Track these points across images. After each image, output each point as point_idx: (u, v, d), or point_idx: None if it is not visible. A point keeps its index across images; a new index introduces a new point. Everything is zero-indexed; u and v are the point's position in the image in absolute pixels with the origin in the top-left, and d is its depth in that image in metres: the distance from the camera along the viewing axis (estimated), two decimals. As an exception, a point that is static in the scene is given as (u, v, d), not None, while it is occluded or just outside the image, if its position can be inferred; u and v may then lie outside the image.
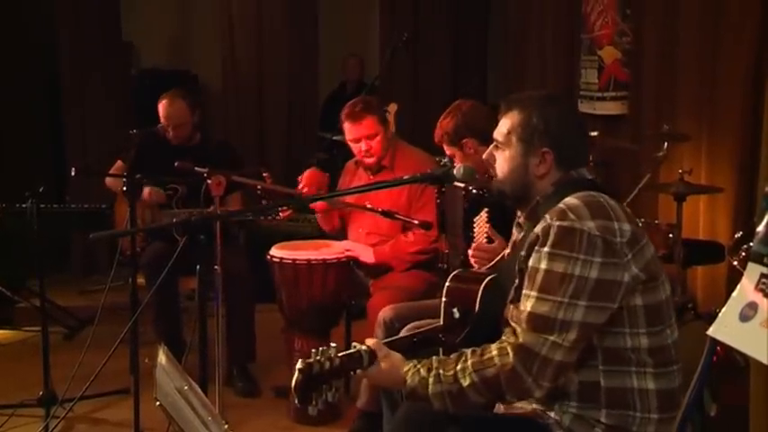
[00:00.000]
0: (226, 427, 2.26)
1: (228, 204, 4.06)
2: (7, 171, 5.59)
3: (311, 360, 1.93)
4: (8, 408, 3.70)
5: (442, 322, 2.42)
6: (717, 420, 2.83)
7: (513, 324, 1.99)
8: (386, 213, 3.48)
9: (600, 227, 1.91)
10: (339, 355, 1.98)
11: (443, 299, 2.43)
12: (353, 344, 2.07)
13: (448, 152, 3.34)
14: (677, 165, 3.72)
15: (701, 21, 3.97)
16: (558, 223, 1.93)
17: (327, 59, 7.21)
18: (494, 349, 1.96)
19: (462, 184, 3.05)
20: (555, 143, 2.07)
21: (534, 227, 2.01)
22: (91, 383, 3.53)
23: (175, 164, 3.59)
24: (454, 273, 2.50)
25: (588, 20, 5.04)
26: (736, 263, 2.96)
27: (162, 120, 4.31)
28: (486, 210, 3.01)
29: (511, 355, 1.92)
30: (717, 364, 2.55)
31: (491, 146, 2.18)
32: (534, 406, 2.07)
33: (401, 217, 3.51)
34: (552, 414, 2.03)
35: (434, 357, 2.04)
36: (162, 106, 4.30)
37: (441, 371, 1.99)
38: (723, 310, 1.78)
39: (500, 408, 2.17)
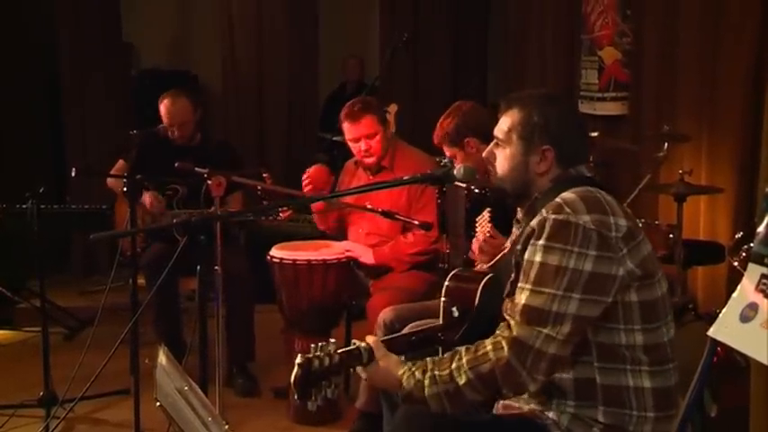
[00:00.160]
0: (226, 427, 2.26)
1: (229, 205, 4.06)
2: (7, 171, 5.59)
3: (311, 355, 1.94)
4: (8, 408, 3.70)
5: (441, 321, 2.42)
6: (717, 421, 2.84)
7: (507, 317, 1.99)
8: (386, 214, 3.47)
9: (595, 221, 1.92)
10: (338, 351, 1.98)
11: (443, 298, 2.43)
12: (353, 341, 2.08)
13: (448, 153, 3.33)
14: (677, 165, 3.73)
15: (702, 21, 3.97)
16: (553, 216, 1.94)
17: (327, 60, 7.21)
18: (488, 344, 1.96)
19: (464, 184, 3.05)
20: (555, 141, 2.07)
21: (531, 222, 2.02)
22: (91, 384, 3.52)
23: (175, 164, 3.59)
24: (453, 272, 2.50)
25: (588, 20, 5.04)
26: (736, 263, 2.96)
27: (164, 119, 4.30)
28: (488, 209, 3.01)
29: (505, 348, 1.92)
30: (717, 365, 2.55)
31: (491, 144, 2.19)
32: (532, 406, 2.07)
33: (401, 217, 3.50)
34: (550, 414, 2.03)
35: (429, 358, 2.03)
36: (164, 105, 4.29)
37: (436, 372, 1.98)
38: (723, 310, 1.78)
39: (498, 408, 2.16)
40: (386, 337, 2.28)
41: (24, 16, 6.12)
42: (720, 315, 1.79)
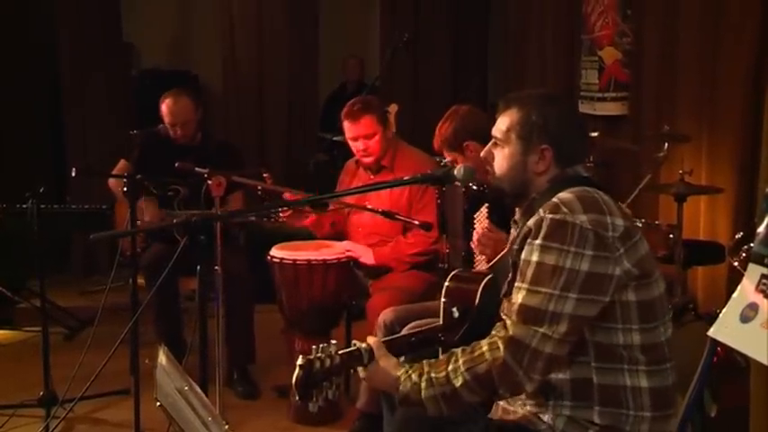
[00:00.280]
0: (226, 427, 2.26)
1: (229, 205, 4.06)
2: (8, 171, 5.59)
3: (312, 357, 1.94)
4: (8, 408, 3.69)
5: (441, 322, 2.42)
6: (717, 421, 2.84)
7: (504, 317, 1.99)
8: (386, 214, 3.47)
9: (592, 220, 1.92)
10: (339, 352, 1.98)
11: (443, 299, 2.43)
12: (354, 342, 2.08)
13: (449, 158, 3.33)
14: (678, 165, 3.72)
15: (702, 21, 3.97)
16: (550, 216, 1.94)
17: (328, 60, 7.22)
18: (484, 345, 1.96)
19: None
20: (554, 140, 2.07)
21: (528, 222, 2.02)
22: (91, 384, 3.52)
23: (176, 164, 3.59)
24: (454, 273, 2.50)
25: (588, 20, 5.04)
26: (736, 263, 2.96)
27: (166, 119, 4.29)
28: (486, 206, 3.02)
29: (502, 348, 1.91)
30: (717, 365, 2.55)
31: (489, 143, 2.19)
32: (529, 408, 2.07)
33: (401, 218, 3.51)
34: (546, 418, 2.03)
35: (425, 361, 2.03)
36: (166, 105, 4.28)
37: (432, 374, 1.98)
38: (724, 310, 1.79)
39: (497, 411, 2.16)
40: (386, 338, 2.28)
41: (25, 16, 6.12)
42: (720, 315, 1.79)
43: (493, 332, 1.99)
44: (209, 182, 3.35)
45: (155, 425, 3.39)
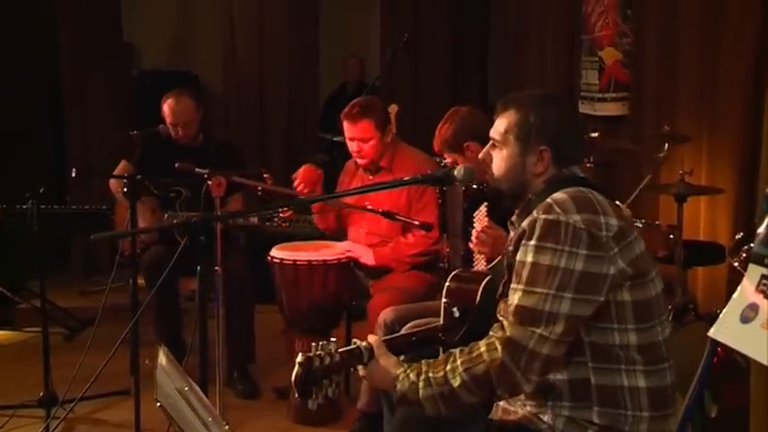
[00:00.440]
0: (226, 427, 2.26)
1: (230, 205, 4.06)
2: (8, 172, 5.58)
3: (312, 354, 1.95)
4: (9, 408, 3.70)
5: (442, 321, 2.42)
6: (717, 421, 2.84)
7: (501, 318, 2.00)
8: (386, 214, 3.48)
9: (585, 220, 1.92)
10: (339, 350, 1.99)
11: (444, 299, 2.43)
12: (354, 340, 2.08)
13: (449, 159, 3.33)
14: (678, 165, 3.72)
15: (702, 21, 3.97)
16: (543, 217, 1.95)
17: (328, 60, 7.21)
18: (482, 345, 1.96)
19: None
20: (552, 141, 2.08)
21: (522, 223, 2.02)
22: (91, 384, 3.52)
23: (176, 165, 3.59)
24: (454, 273, 2.50)
25: (589, 21, 5.04)
26: (736, 264, 2.96)
27: (167, 119, 4.29)
28: (485, 204, 3.02)
29: (499, 349, 1.92)
30: (717, 366, 2.56)
31: (488, 145, 2.19)
32: (528, 409, 2.07)
33: (401, 218, 3.51)
34: (546, 418, 2.03)
35: (423, 361, 2.03)
36: (168, 105, 4.28)
37: (430, 374, 1.98)
38: (724, 311, 1.78)
39: (497, 411, 2.16)
40: (387, 337, 2.28)
41: (26, 16, 6.12)
42: (721, 315, 1.79)
43: (491, 333, 1.99)
44: (210, 182, 3.35)
45: (155, 425, 3.39)
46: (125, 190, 3.53)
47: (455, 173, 2.43)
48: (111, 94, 6.37)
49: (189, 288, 4.38)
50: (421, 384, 1.98)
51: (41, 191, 3.57)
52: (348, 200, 3.81)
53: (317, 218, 4.06)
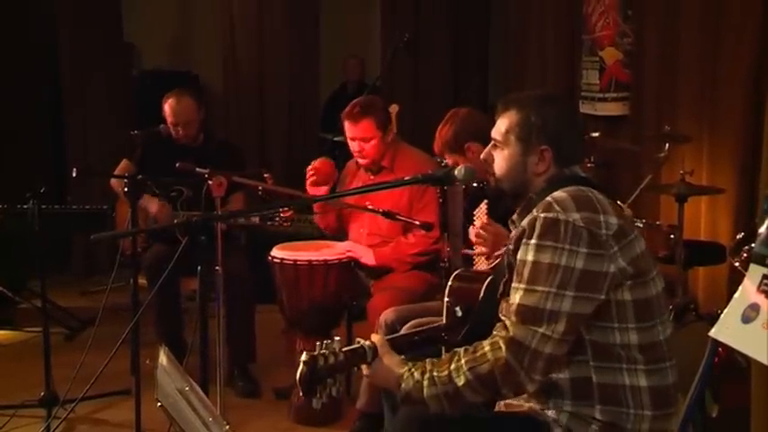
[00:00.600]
0: (227, 427, 2.27)
1: (231, 205, 4.06)
2: (8, 172, 5.59)
3: (316, 353, 1.95)
4: (9, 408, 3.70)
5: (444, 321, 2.42)
6: (718, 421, 2.84)
7: (503, 318, 2.00)
8: (387, 214, 3.48)
9: (585, 218, 1.93)
10: (343, 349, 1.99)
11: (446, 298, 2.43)
12: (357, 339, 2.09)
13: (450, 161, 3.33)
14: (678, 166, 3.72)
15: (702, 21, 3.97)
16: (543, 215, 1.96)
17: (328, 60, 7.21)
18: (486, 345, 1.97)
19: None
20: (553, 141, 2.09)
21: (523, 222, 2.03)
22: (92, 384, 3.52)
23: (176, 165, 3.59)
24: (457, 272, 2.51)
25: (589, 21, 5.04)
26: (737, 264, 2.95)
27: (168, 118, 4.29)
28: (485, 201, 3.02)
29: (503, 348, 1.93)
30: (718, 366, 2.56)
31: (489, 145, 2.19)
32: (532, 404, 2.08)
33: (402, 218, 3.51)
34: (550, 412, 2.04)
35: (428, 360, 2.04)
36: (169, 105, 4.28)
37: (434, 373, 1.99)
38: (725, 311, 1.79)
39: (500, 406, 2.17)
40: (390, 336, 2.28)
41: (26, 16, 6.12)
42: (722, 316, 1.79)
43: (494, 332, 2.00)
44: (210, 182, 3.35)
45: (155, 425, 3.39)
46: (125, 190, 3.53)
47: (456, 172, 2.44)
48: (111, 94, 6.37)
49: (190, 288, 4.38)
50: (425, 383, 1.98)
51: (42, 191, 3.57)
52: (349, 200, 3.81)
53: (318, 217, 4.06)
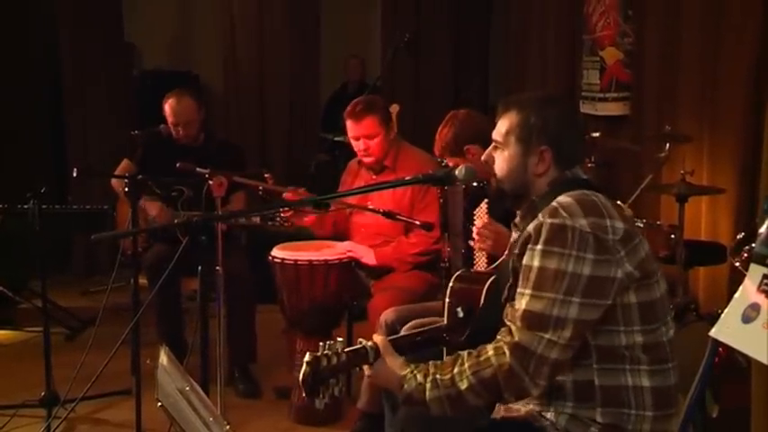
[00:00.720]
0: (227, 427, 2.26)
1: (231, 205, 4.06)
2: (8, 172, 5.59)
3: (319, 354, 1.96)
4: (10, 408, 3.70)
5: (445, 322, 2.42)
6: (718, 421, 2.84)
7: (508, 322, 2.00)
8: (387, 214, 3.48)
9: (591, 224, 1.92)
10: (345, 350, 2.00)
11: (447, 299, 2.43)
12: (359, 340, 2.09)
13: (451, 163, 3.32)
14: (679, 166, 3.72)
15: (703, 21, 3.97)
16: (549, 221, 1.95)
17: (329, 60, 7.22)
18: (490, 349, 1.96)
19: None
20: (553, 142, 2.08)
21: (528, 226, 2.02)
22: (92, 384, 3.52)
23: (177, 165, 3.59)
24: (458, 273, 2.51)
25: (590, 21, 5.04)
26: (738, 264, 2.96)
27: (169, 118, 4.29)
28: (485, 201, 3.02)
29: (507, 354, 1.92)
30: (719, 365, 2.56)
31: (490, 146, 2.19)
32: (531, 407, 2.08)
33: (403, 218, 3.51)
34: (548, 416, 2.03)
35: (431, 362, 2.04)
36: (169, 105, 4.28)
37: (437, 375, 1.99)
38: (725, 311, 1.79)
39: (499, 411, 2.17)
40: (391, 337, 2.28)
41: (26, 16, 6.12)
42: (722, 315, 1.79)
43: (498, 336, 1.99)
44: (211, 182, 3.35)
45: (156, 425, 3.39)
46: (126, 190, 3.53)
47: (456, 172, 2.44)
48: (111, 94, 6.37)
49: (190, 288, 4.39)
50: (428, 386, 1.98)
51: (43, 191, 3.57)
52: (350, 200, 3.81)
53: (314, 228, 4.03)
